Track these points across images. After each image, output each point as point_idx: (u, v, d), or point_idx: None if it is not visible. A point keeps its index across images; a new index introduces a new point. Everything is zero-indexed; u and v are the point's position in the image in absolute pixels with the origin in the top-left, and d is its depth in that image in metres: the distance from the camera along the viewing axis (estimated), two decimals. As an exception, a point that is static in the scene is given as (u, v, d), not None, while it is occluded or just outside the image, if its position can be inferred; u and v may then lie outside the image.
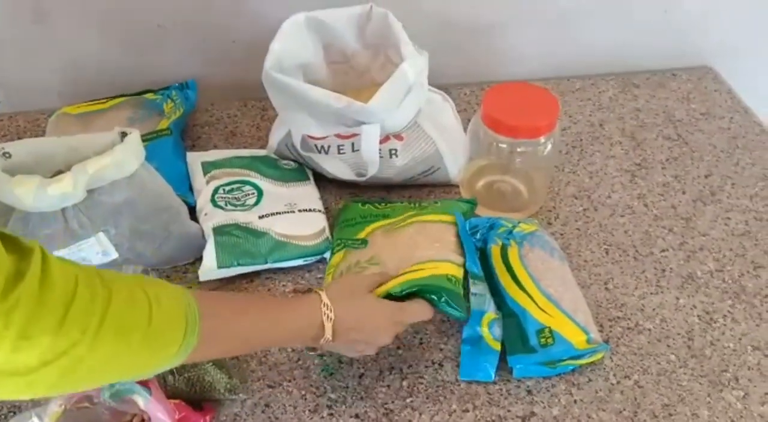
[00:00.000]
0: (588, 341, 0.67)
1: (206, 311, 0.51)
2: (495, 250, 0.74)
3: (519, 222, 0.77)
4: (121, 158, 0.70)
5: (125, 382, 0.56)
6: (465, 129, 0.87)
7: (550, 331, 0.67)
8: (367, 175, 0.82)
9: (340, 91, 0.78)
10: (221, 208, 0.79)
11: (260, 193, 0.82)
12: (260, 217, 0.78)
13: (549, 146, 0.79)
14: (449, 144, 0.85)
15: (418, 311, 0.65)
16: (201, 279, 0.75)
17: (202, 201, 0.81)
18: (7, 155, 0.67)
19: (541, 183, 0.85)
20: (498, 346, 0.67)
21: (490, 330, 0.67)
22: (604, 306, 0.75)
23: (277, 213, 0.79)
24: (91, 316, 0.43)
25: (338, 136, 0.81)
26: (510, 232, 0.75)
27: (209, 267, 0.74)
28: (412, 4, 0.91)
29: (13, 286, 0.40)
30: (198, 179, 0.84)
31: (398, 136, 0.82)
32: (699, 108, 1.02)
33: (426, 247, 0.70)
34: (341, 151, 0.82)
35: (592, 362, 0.69)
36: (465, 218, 0.75)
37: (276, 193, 0.82)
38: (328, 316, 0.59)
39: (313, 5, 0.85)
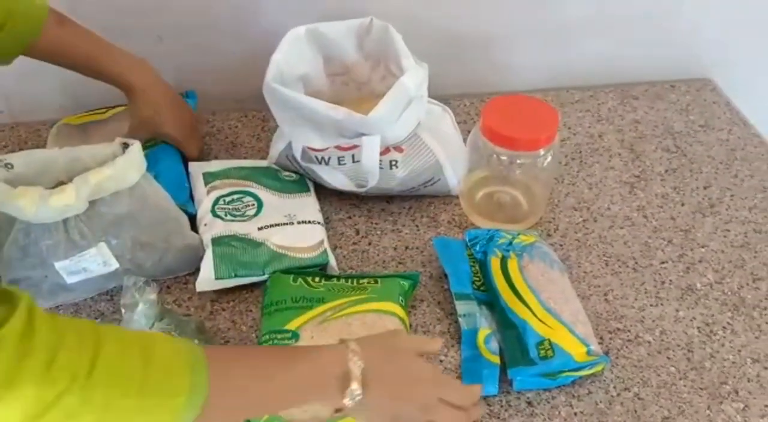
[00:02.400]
0: (588, 353, 0.67)
1: (213, 368, 0.46)
2: (494, 262, 0.74)
3: (519, 234, 0.77)
4: (123, 169, 0.71)
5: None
6: (464, 140, 0.88)
7: (550, 343, 0.67)
8: (368, 187, 0.83)
9: (339, 103, 0.79)
10: (221, 218, 0.79)
11: (260, 204, 0.82)
12: (259, 229, 0.78)
13: (549, 158, 0.79)
14: (449, 155, 0.86)
15: (463, 394, 0.59)
16: (198, 289, 0.75)
17: (203, 211, 0.81)
18: (9, 166, 0.68)
19: (540, 194, 0.85)
20: (497, 360, 0.67)
21: (486, 345, 0.67)
22: (604, 318, 0.75)
23: (276, 224, 0.79)
24: (80, 362, 0.40)
25: (338, 147, 0.81)
26: (510, 244, 0.76)
27: (207, 278, 0.74)
28: (411, 16, 0.92)
29: None
30: (199, 189, 0.84)
31: (398, 148, 0.82)
32: (698, 120, 1.02)
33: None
34: (342, 163, 0.82)
35: (592, 374, 0.69)
36: (405, 297, 0.72)
37: (276, 204, 0.83)
38: (357, 363, 0.52)
39: (314, 18, 0.85)
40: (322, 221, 0.83)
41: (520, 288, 0.71)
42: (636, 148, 0.97)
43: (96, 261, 0.71)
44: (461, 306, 0.70)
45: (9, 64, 0.76)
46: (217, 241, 0.76)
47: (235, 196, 0.83)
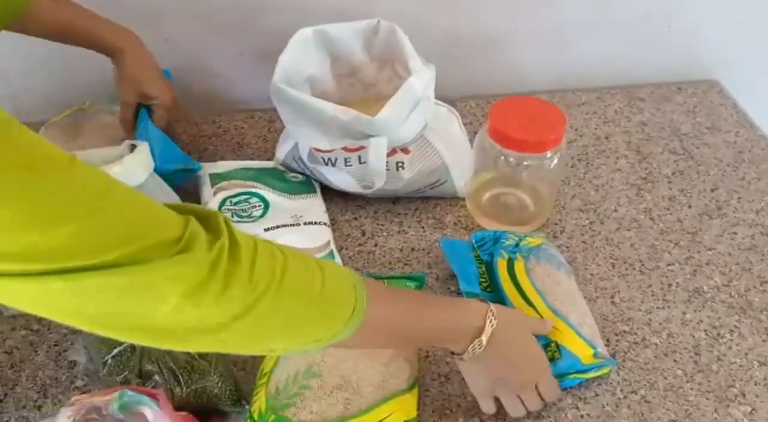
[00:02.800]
0: (595, 355, 0.67)
1: (372, 294, 0.52)
2: (501, 264, 0.74)
3: (525, 236, 0.77)
4: (130, 167, 0.73)
5: (133, 394, 0.56)
6: (470, 141, 0.88)
7: (557, 346, 0.67)
8: (374, 188, 0.83)
9: (346, 104, 0.79)
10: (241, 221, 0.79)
11: (267, 205, 0.82)
12: (266, 230, 0.78)
13: (555, 160, 0.79)
14: (455, 157, 0.86)
15: (553, 388, 0.65)
16: None
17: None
18: None
19: (547, 196, 0.85)
20: None
21: None
22: (611, 320, 0.75)
23: (282, 225, 0.79)
24: (274, 270, 0.45)
25: (345, 149, 0.81)
26: (516, 245, 0.75)
27: None
28: (418, 18, 0.92)
29: (215, 238, 0.43)
30: (206, 191, 0.84)
31: (405, 149, 0.82)
32: (704, 122, 1.02)
33: (367, 363, 0.64)
34: (348, 164, 0.82)
35: (598, 376, 0.68)
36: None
37: (282, 205, 0.83)
38: (491, 322, 0.58)
39: (321, 19, 0.85)
40: (328, 222, 0.83)
41: (527, 290, 0.71)
42: (643, 149, 0.97)
43: None
44: None
45: None
46: None
47: (242, 197, 0.83)
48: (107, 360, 0.64)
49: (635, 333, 0.74)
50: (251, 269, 0.44)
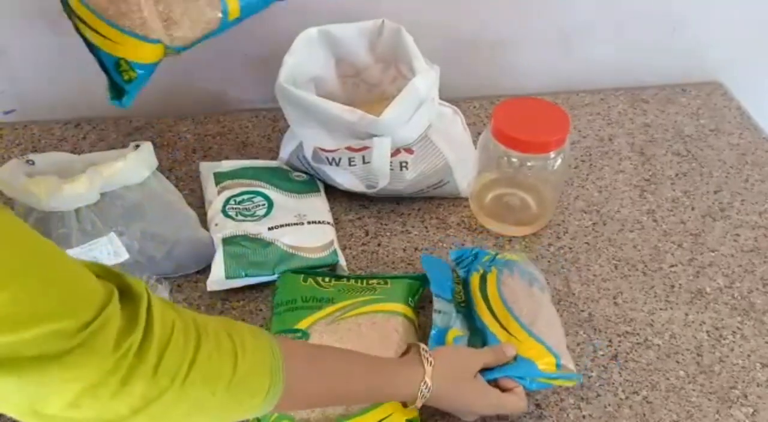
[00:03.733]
0: (557, 366, 0.64)
1: (294, 369, 0.51)
2: (475, 278, 0.72)
3: (504, 252, 0.76)
4: (134, 164, 0.75)
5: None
6: (474, 142, 0.88)
7: (515, 356, 0.65)
8: (378, 188, 0.83)
9: (350, 104, 0.79)
10: (232, 218, 0.80)
11: (270, 204, 0.82)
12: (269, 229, 0.79)
13: (559, 161, 0.79)
14: (459, 157, 0.86)
15: (515, 404, 0.64)
16: (209, 289, 0.75)
17: (213, 211, 0.81)
18: (31, 162, 0.72)
19: (550, 197, 0.85)
20: None
21: (455, 344, 0.66)
22: (613, 321, 0.75)
23: (286, 224, 0.80)
24: (181, 365, 0.44)
25: (349, 148, 0.81)
26: (492, 260, 0.74)
27: (218, 278, 0.75)
28: (422, 19, 0.92)
29: (126, 336, 0.41)
30: (210, 189, 0.85)
31: (409, 150, 0.82)
32: (708, 124, 1.02)
33: (372, 349, 0.64)
34: (352, 164, 0.83)
35: (563, 385, 0.66)
36: (414, 298, 0.73)
37: (286, 204, 0.83)
38: (423, 395, 0.59)
39: (326, 19, 0.86)
40: (331, 221, 0.83)
41: (493, 301, 0.68)
42: (646, 151, 0.97)
43: (106, 251, 0.73)
44: (439, 303, 0.68)
45: None
46: (227, 241, 0.77)
47: (246, 196, 0.83)
48: (112, 358, 0.64)
49: (638, 334, 0.74)
50: (157, 365, 0.42)
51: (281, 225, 0.79)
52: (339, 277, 0.75)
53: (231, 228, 0.78)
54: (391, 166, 0.81)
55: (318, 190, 0.87)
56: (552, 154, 0.78)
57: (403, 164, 0.83)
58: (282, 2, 0.76)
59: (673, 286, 0.79)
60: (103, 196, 0.72)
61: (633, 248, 0.83)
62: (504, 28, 1.02)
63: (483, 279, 0.71)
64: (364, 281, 0.74)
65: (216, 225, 0.80)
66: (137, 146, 0.78)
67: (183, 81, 0.96)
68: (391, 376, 0.59)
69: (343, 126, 0.79)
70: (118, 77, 0.75)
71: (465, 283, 0.73)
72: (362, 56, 0.89)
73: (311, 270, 0.76)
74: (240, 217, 0.80)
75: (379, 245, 0.84)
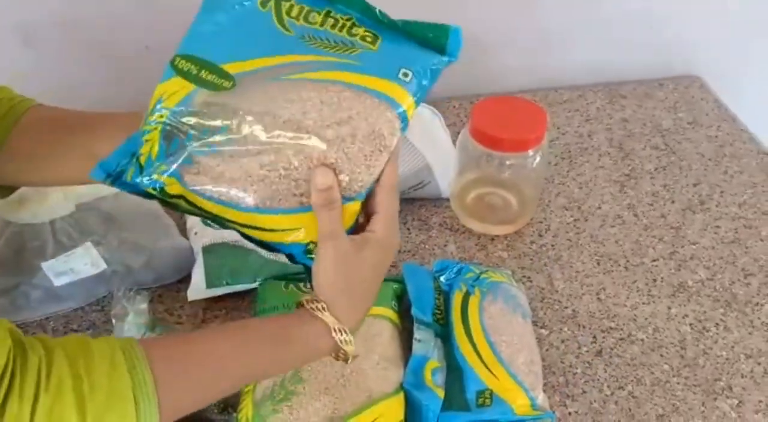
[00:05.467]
0: (532, 407, 0.63)
1: (164, 372, 0.46)
2: (457, 297, 0.70)
3: (488, 270, 0.74)
4: None
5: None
6: (454, 142, 0.88)
7: (491, 393, 0.63)
8: (358, 191, 0.82)
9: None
10: (211, 226, 0.79)
11: None
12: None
13: (538, 158, 0.79)
14: (439, 158, 0.86)
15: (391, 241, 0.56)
16: (190, 298, 0.74)
17: (192, 220, 0.81)
18: None
19: (531, 195, 0.85)
20: (442, 394, 0.63)
21: (433, 377, 0.64)
22: (597, 317, 0.75)
23: None
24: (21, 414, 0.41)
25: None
26: (477, 279, 0.72)
27: (198, 287, 0.74)
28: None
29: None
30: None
31: (388, 151, 0.82)
32: (686, 117, 1.03)
33: (354, 367, 0.62)
34: (331, 167, 0.82)
35: None
36: (398, 301, 0.71)
37: None
38: (346, 341, 0.53)
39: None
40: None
41: (474, 330, 0.66)
42: (625, 146, 0.97)
43: (83, 262, 0.72)
44: (418, 331, 0.67)
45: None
46: (207, 250, 0.76)
47: None
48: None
49: (621, 329, 0.74)
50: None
51: None
52: None
53: (210, 236, 0.77)
54: (370, 168, 0.81)
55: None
56: (531, 152, 0.78)
57: (383, 166, 0.82)
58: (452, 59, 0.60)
59: (655, 280, 0.79)
60: (78, 207, 0.71)
61: (615, 243, 0.83)
62: (481, 26, 1.02)
63: (465, 301, 0.69)
64: None
65: (195, 233, 0.79)
66: None
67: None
68: (295, 344, 0.53)
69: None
70: (309, 261, 0.56)
71: (447, 298, 0.71)
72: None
73: (293, 276, 0.75)
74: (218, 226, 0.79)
75: (361, 248, 0.83)
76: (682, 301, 0.77)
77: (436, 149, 0.86)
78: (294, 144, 0.50)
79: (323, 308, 0.53)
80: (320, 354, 0.55)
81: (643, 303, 0.77)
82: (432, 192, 0.87)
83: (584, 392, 0.68)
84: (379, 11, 0.53)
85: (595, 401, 0.68)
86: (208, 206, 0.52)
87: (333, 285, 0.53)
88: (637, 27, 1.05)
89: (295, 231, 0.53)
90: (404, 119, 0.52)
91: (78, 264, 0.71)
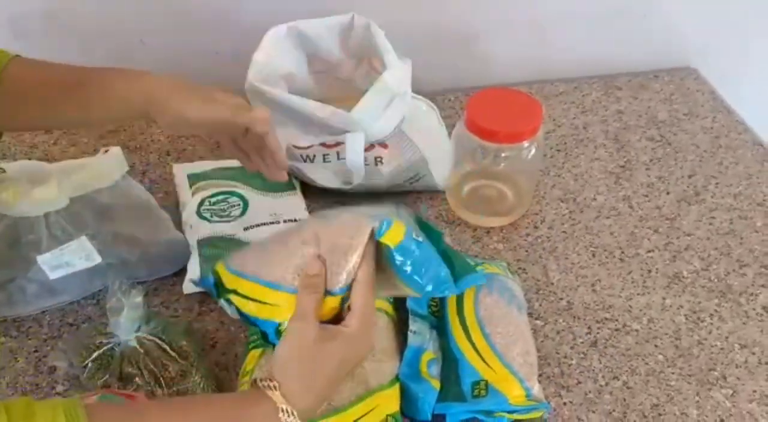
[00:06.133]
0: (527, 397, 0.63)
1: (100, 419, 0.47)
2: None
3: (483, 262, 0.73)
4: (103, 168, 0.74)
5: (112, 397, 0.56)
6: (450, 135, 0.88)
7: (486, 384, 0.63)
8: (353, 183, 0.83)
9: (325, 101, 0.79)
10: (206, 219, 0.79)
11: (246, 204, 0.82)
12: (245, 229, 0.78)
13: (533, 150, 0.79)
14: (435, 151, 0.86)
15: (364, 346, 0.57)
16: (185, 292, 0.75)
17: (188, 213, 0.81)
18: (1, 170, 0.70)
19: (526, 187, 0.85)
20: (437, 385, 0.64)
21: (428, 369, 0.64)
22: (592, 308, 0.75)
23: (262, 224, 0.79)
24: None
25: (323, 145, 0.81)
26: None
27: (194, 279, 0.74)
28: (394, 13, 0.92)
29: None
30: (184, 192, 0.84)
31: (383, 144, 0.82)
32: (681, 108, 1.03)
33: None
34: (327, 160, 0.82)
35: (528, 418, 0.64)
36: None
37: (262, 203, 0.82)
38: (287, 412, 0.51)
39: (295, 16, 0.85)
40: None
41: (469, 321, 0.66)
42: (620, 138, 0.97)
43: (78, 255, 0.72)
44: (414, 323, 0.67)
45: None
46: (203, 243, 0.76)
47: (221, 197, 0.82)
48: (88, 364, 0.63)
49: (616, 320, 0.74)
50: None
51: (257, 225, 0.79)
52: None
53: (206, 229, 0.77)
54: (366, 161, 0.81)
55: (294, 188, 0.86)
56: (526, 144, 0.78)
57: (378, 159, 0.82)
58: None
59: (650, 271, 0.79)
60: (72, 201, 0.71)
61: (610, 235, 0.83)
62: (476, 19, 1.02)
63: (460, 294, 0.69)
64: None
65: (191, 227, 0.79)
66: (106, 151, 0.77)
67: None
68: (243, 399, 0.53)
69: (316, 122, 0.78)
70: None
71: None
72: (334, 52, 0.88)
73: None
74: (215, 219, 0.79)
75: (357, 241, 0.83)
76: (677, 292, 0.77)
77: (431, 142, 0.86)
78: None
79: (275, 387, 0.52)
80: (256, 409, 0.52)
81: (638, 294, 0.77)
82: (428, 185, 0.87)
83: (579, 382, 0.69)
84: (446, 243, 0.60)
85: (590, 391, 0.68)
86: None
87: (288, 365, 0.53)
88: (632, 18, 1.05)
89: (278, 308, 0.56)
90: (382, 226, 0.55)
91: (73, 258, 0.71)
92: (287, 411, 0.51)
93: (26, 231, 0.69)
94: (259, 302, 0.57)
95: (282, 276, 0.56)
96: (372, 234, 0.55)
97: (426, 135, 0.86)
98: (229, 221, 0.79)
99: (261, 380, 0.53)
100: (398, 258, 0.55)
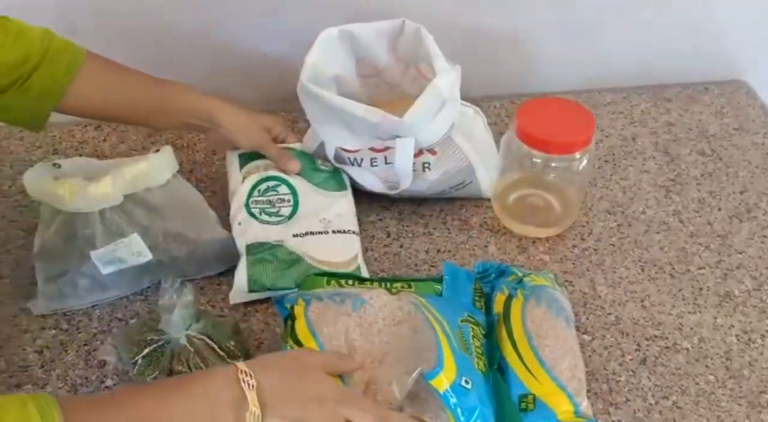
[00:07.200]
0: (575, 413, 0.62)
1: (70, 407, 0.47)
2: (499, 299, 0.69)
3: (530, 273, 0.72)
4: (156, 166, 0.75)
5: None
6: (496, 142, 0.87)
7: (534, 398, 0.62)
8: (399, 189, 0.82)
9: (370, 104, 0.78)
10: (255, 217, 0.78)
11: (296, 199, 0.80)
12: (294, 236, 0.77)
13: (584, 162, 0.78)
14: (481, 158, 0.85)
15: (369, 413, 0.55)
16: (232, 302, 0.75)
17: (237, 205, 0.79)
18: (57, 166, 0.72)
19: (574, 198, 0.84)
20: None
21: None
22: (641, 325, 0.74)
23: (310, 232, 0.78)
24: None
25: (372, 149, 0.81)
26: (519, 282, 0.70)
27: (240, 290, 0.74)
28: (441, 16, 0.91)
29: None
30: (234, 177, 0.82)
31: (431, 150, 0.82)
32: (732, 123, 1.01)
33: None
34: (374, 164, 0.82)
35: None
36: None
37: (312, 201, 0.80)
38: (248, 384, 0.50)
39: (344, 19, 0.85)
40: (357, 229, 0.81)
41: (516, 333, 0.65)
42: (670, 151, 0.96)
43: (130, 251, 0.73)
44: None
45: (42, 128, 0.75)
46: (252, 250, 0.76)
47: (271, 183, 0.80)
48: (138, 360, 0.64)
49: (666, 338, 0.73)
50: None
51: (306, 234, 0.78)
52: (362, 280, 0.74)
53: (255, 232, 0.77)
54: (413, 166, 0.80)
55: (345, 188, 0.84)
56: (577, 155, 0.77)
57: (426, 165, 0.82)
58: None
59: (701, 289, 0.78)
60: (126, 198, 0.72)
61: (659, 250, 0.82)
62: (523, 25, 1.01)
63: (507, 304, 0.68)
64: (388, 284, 0.73)
65: (239, 224, 0.78)
66: (158, 150, 0.78)
67: (203, 85, 0.95)
68: (200, 384, 0.52)
69: (366, 126, 0.78)
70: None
71: (488, 299, 0.70)
72: (382, 56, 0.88)
73: (335, 273, 0.75)
74: (264, 217, 0.78)
75: (401, 247, 0.83)
76: (728, 311, 0.76)
77: (478, 149, 0.85)
78: None
79: (252, 386, 0.51)
80: (218, 405, 0.51)
81: (689, 312, 0.75)
82: (473, 192, 0.87)
83: (628, 400, 0.68)
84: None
85: (638, 410, 0.67)
86: None
87: (269, 364, 0.55)
88: (685, 29, 1.03)
89: None
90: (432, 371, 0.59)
91: (125, 254, 0.72)
92: (254, 415, 0.50)
93: (81, 227, 0.70)
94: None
95: None
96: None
97: (473, 141, 0.85)
98: (278, 222, 0.78)
99: (242, 371, 0.51)
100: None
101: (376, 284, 0.73)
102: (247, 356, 0.67)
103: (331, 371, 0.57)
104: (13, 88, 0.69)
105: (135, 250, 0.72)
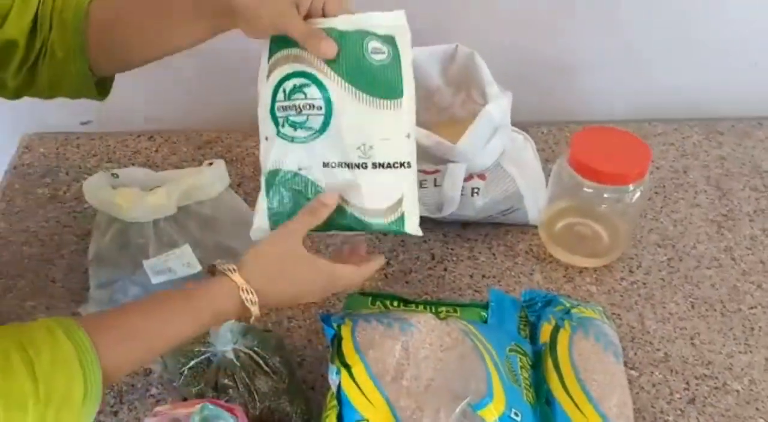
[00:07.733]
0: None
1: (100, 338, 0.50)
2: (546, 329, 0.68)
3: (578, 304, 0.71)
4: (209, 179, 0.77)
5: (213, 408, 0.56)
6: (544, 169, 0.87)
7: None
8: (444, 213, 0.82)
9: (419, 126, 0.79)
10: (278, 127, 0.61)
11: (329, 105, 0.59)
12: (324, 165, 0.61)
13: (638, 194, 0.77)
14: (530, 184, 0.85)
15: (351, 278, 0.64)
16: (253, 238, 0.66)
17: (263, 109, 0.62)
18: (115, 176, 0.75)
19: (624, 230, 0.83)
20: None
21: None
22: (690, 363, 0.72)
23: (344, 164, 0.60)
24: None
25: (422, 171, 0.81)
26: (567, 313, 0.69)
27: (261, 228, 0.65)
28: (493, 42, 0.92)
29: None
30: (261, 72, 0.63)
31: (481, 175, 0.82)
32: (786, 159, 0.99)
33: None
34: (423, 186, 0.82)
35: None
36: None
37: (352, 112, 0.59)
38: (250, 301, 0.57)
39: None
40: (410, 159, 0.61)
41: (563, 366, 0.64)
42: (722, 185, 0.94)
43: (181, 262, 0.74)
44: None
45: (103, 91, 0.70)
46: (272, 178, 0.63)
47: (297, 82, 0.60)
48: (184, 371, 0.65)
49: (716, 378, 0.71)
50: None
51: (338, 164, 0.60)
52: (408, 302, 0.74)
53: (278, 151, 0.62)
54: (462, 191, 0.80)
55: (399, 95, 0.60)
56: (631, 187, 0.76)
57: (475, 190, 0.82)
58: None
59: (752, 329, 0.76)
60: (179, 210, 0.74)
61: (711, 286, 0.80)
62: (575, 52, 1.00)
63: (554, 335, 0.67)
64: (433, 307, 0.73)
65: (266, 139, 0.63)
66: (211, 163, 0.80)
67: (254, 95, 0.97)
68: (208, 304, 0.57)
69: (419, 149, 0.78)
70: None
71: (534, 328, 0.70)
72: (434, 79, 0.88)
73: (379, 293, 0.75)
74: (288, 129, 0.61)
75: (445, 270, 0.83)
76: (781, 353, 0.74)
77: (527, 175, 0.85)
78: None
79: (232, 270, 0.58)
80: (227, 313, 0.58)
81: (740, 352, 0.74)
82: (519, 218, 0.86)
83: (676, 441, 0.66)
84: None
85: (687, 451, 0.65)
86: None
87: (256, 257, 0.60)
88: (737, 63, 1.02)
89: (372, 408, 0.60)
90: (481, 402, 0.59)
91: (176, 265, 0.73)
92: (247, 290, 0.57)
93: (136, 236, 0.72)
94: (361, 391, 0.59)
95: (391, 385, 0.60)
96: None
97: (522, 168, 0.85)
98: (305, 138, 0.60)
99: (219, 263, 0.58)
100: None
101: (421, 307, 0.73)
102: (291, 373, 0.67)
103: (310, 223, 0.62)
104: (43, 58, 0.64)
105: (185, 261, 0.73)
